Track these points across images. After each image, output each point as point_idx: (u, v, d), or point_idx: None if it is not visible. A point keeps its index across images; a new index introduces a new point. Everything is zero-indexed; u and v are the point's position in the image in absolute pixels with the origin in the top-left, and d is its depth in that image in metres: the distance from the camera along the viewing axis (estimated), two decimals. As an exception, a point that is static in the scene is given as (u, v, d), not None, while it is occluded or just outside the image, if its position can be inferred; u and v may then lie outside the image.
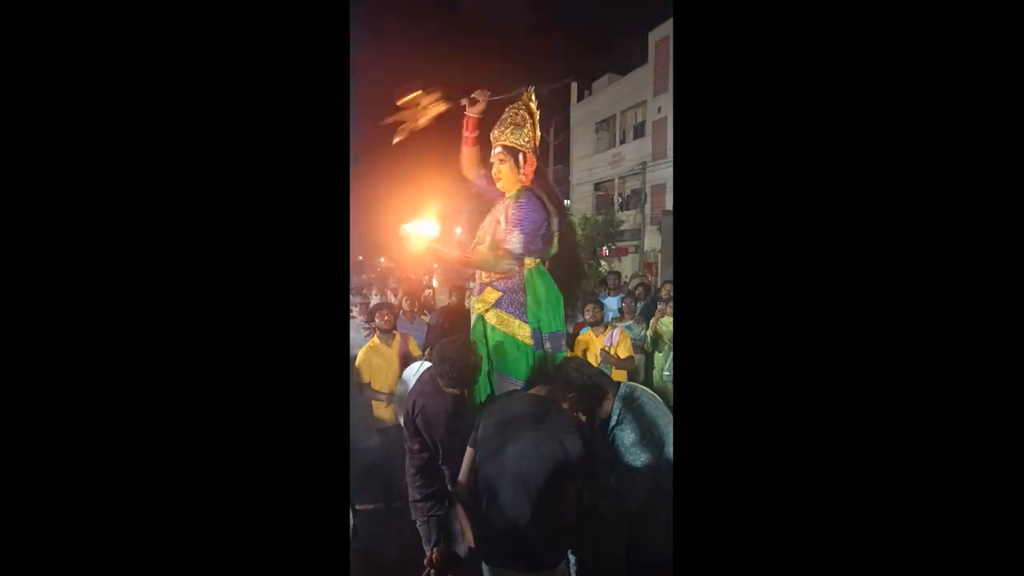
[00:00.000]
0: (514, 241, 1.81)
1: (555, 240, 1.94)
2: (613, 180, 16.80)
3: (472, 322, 1.95)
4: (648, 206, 14.58)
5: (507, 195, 1.94)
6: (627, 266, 14.30)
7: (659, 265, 13.16)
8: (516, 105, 1.96)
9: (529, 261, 1.89)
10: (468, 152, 2.01)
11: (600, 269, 10.91)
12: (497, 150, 1.92)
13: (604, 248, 14.16)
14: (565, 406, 1.47)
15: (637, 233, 14.95)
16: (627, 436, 1.51)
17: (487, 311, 1.86)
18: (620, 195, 16.73)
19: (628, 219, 15.30)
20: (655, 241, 14.29)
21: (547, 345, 1.86)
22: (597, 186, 17.43)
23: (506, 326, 1.84)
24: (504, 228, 1.83)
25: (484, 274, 1.89)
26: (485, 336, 1.88)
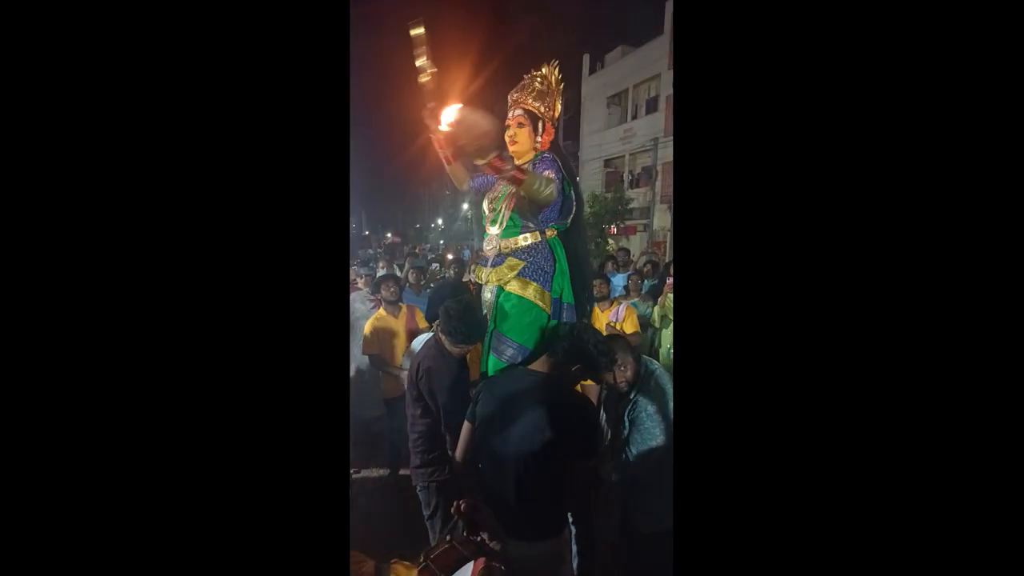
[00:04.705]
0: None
1: (573, 211, 1.93)
2: (624, 156, 16.53)
3: (483, 293, 1.94)
4: (659, 184, 14.37)
5: (521, 162, 1.90)
6: (636, 245, 14.18)
7: (668, 244, 13.05)
8: (539, 74, 1.93)
9: (550, 231, 1.89)
10: (452, 169, 2.01)
11: (608, 247, 10.83)
12: (517, 112, 1.89)
13: (612, 226, 14.03)
14: (571, 372, 1.44)
15: (647, 212, 14.76)
16: (649, 404, 1.53)
17: (508, 281, 1.85)
18: (630, 172, 16.48)
19: (638, 197, 15.09)
20: (665, 220, 14.14)
21: (564, 315, 1.86)
22: (607, 162, 17.16)
23: (529, 293, 1.82)
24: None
25: (503, 244, 1.88)
26: (496, 306, 1.87)
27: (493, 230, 1.91)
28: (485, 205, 1.99)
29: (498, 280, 1.86)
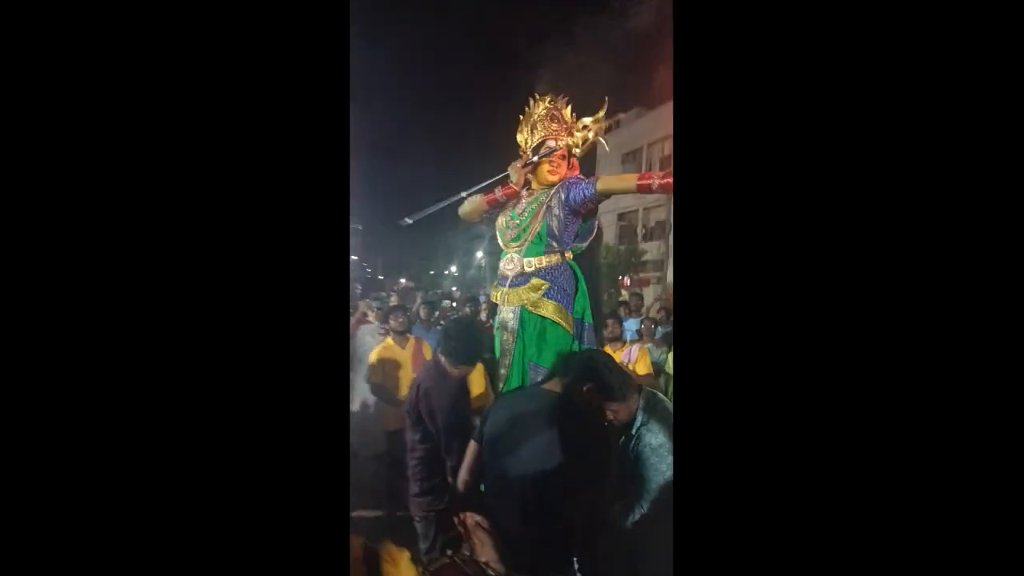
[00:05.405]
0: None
1: (592, 236, 1.96)
2: (637, 211, 16.80)
3: (500, 314, 1.91)
4: (672, 238, 14.48)
5: (545, 188, 1.95)
6: (649, 297, 14.12)
7: (681, 297, 12.95)
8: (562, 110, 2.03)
9: (568, 253, 1.89)
10: (485, 207, 2.07)
11: (621, 297, 10.81)
12: (562, 145, 1.98)
13: (625, 278, 14.05)
14: (583, 395, 1.38)
15: (660, 264, 14.81)
16: (654, 438, 1.45)
17: (536, 303, 1.83)
18: (644, 226, 16.69)
19: (651, 250, 15.20)
20: (678, 273, 14.12)
21: (586, 336, 1.83)
22: (621, 216, 17.44)
23: (555, 314, 1.80)
24: (559, 210, 1.83)
25: (526, 263, 1.88)
26: (522, 327, 1.83)
27: (514, 246, 1.90)
28: (502, 221, 2.00)
29: (521, 301, 1.83)
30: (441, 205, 2.05)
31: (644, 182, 1.72)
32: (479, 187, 2.07)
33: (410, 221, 1.98)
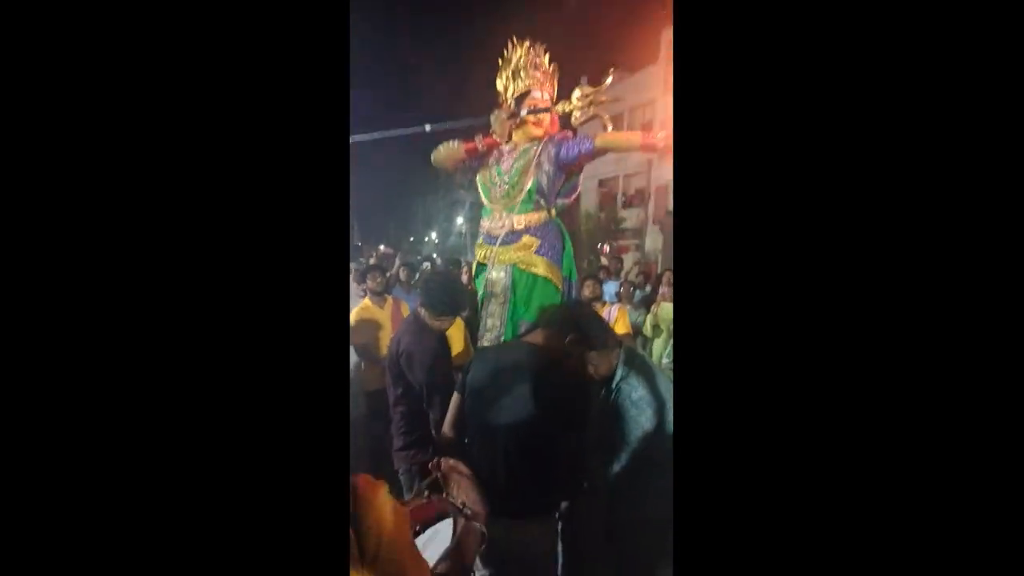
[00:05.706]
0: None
1: (575, 193, 1.94)
2: (617, 177, 16.73)
3: (489, 273, 1.88)
4: (651, 205, 14.53)
5: (529, 143, 1.90)
6: (628, 263, 14.30)
7: (660, 264, 13.15)
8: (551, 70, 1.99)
9: (553, 210, 1.86)
10: (463, 156, 1.99)
11: (600, 263, 10.93)
12: (557, 110, 1.94)
13: (605, 245, 14.14)
14: (564, 347, 1.38)
15: (639, 232, 14.90)
16: (633, 392, 1.47)
17: (532, 263, 1.81)
18: (623, 193, 16.68)
19: (630, 217, 15.24)
20: (657, 241, 14.25)
21: (573, 294, 1.83)
22: (601, 182, 17.37)
23: (547, 271, 1.79)
24: (549, 166, 1.81)
25: (516, 220, 1.84)
26: (514, 285, 1.81)
27: (502, 204, 1.86)
28: (486, 177, 1.95)
29: (512, 259, 1.81)
30: (396, 133, 1.95)
31: (649, 141, 1.68)
32: (448, 125, 1.98)
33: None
